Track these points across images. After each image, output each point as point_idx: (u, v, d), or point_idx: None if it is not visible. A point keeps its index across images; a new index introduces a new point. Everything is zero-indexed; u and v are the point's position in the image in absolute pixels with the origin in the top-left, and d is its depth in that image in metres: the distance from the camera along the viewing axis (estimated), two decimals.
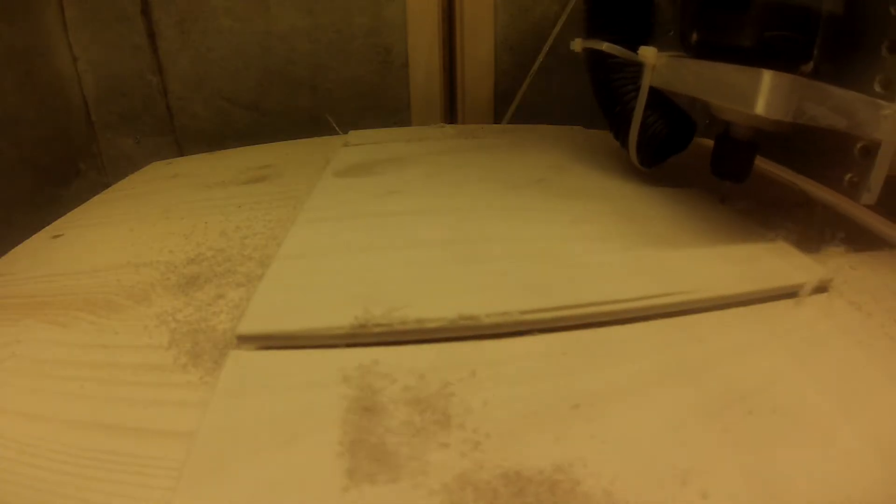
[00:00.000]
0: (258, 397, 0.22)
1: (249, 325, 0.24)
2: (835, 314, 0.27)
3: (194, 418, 0.21)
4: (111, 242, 0.36)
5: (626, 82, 0.39)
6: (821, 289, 0.29)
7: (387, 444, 0.19)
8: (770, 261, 0.30)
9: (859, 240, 0.36)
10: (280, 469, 0.18)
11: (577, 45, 0.41)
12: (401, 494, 0.18)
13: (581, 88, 0.46)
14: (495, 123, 0.68)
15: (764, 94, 0.26)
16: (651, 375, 0.23)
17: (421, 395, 0.21)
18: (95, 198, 0.46)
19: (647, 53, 0.35)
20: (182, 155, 0.64)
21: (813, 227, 0.34)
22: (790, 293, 0.28)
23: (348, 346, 0.24)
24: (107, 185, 0.49)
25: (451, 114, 0.69)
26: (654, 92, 0.37)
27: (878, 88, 0.29)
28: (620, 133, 0.40)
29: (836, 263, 0.32)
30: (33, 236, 0.38)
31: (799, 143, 0.33)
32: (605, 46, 0.38)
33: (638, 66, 0.37)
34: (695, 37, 0.33)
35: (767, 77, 0.26)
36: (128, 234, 0.37)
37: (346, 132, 0.58)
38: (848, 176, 0.30)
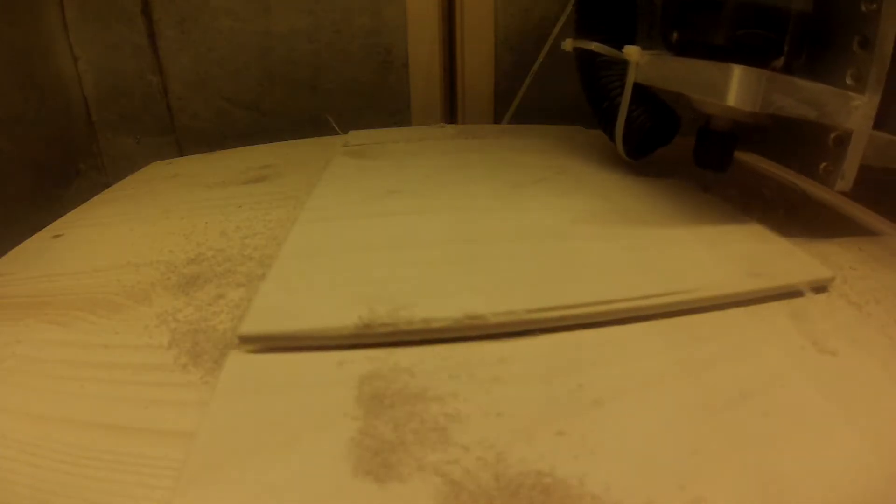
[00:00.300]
0: (258, 397, 0.22)
1: (251, 326, 0.24)
2: (835, 314, 0.27)
3: (194, 418, 0.21)
4: (111, 242, 0.36)
5: (612, 79, 0.41)
6: (821, 288, 0.29)
7: (387, 445, 0.19)
8: (772, 260, 0.30)
9: (859, 240, 0.36)
10: (280, 469, 0.18)
11: (568, 44, 0.44)
12: (401, 495, 0.18)
13: (581, 88, 0.46)
14: (495, 123, 0.68)
15: (734, 87, 0.29)
16: (651, 375, 0.23)
17: (421, 396, 0.21)
18: (95, 198, 0.46)
19: (631, 52, 0.38)
20: (182, 155, 0.64)
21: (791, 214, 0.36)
22: (792, 292, 0.28)
23: (351, 346, 0.24)
24: (107, 185, 0.49)
25: (451, 114, 0.69)
26: (638, 87, 0.39)
27: (849, 81, 0.31)
28: (608, 126, 0.42)
29: (835, 263, 0.32)
30: (33, 236, 0.38)
31: (778, 135, 0.36)
32: (594, 46, 0.40)
33: (623, 64, 0.39)
34: (675, 36, 0.35)
35: (737, 71, 0.29)
36: (128, 234, 0.37)
37: (346, 132, 0.58)
38: (823, 164, 0.32)
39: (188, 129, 0.67)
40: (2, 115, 0.52)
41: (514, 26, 0.65)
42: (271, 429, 0.20)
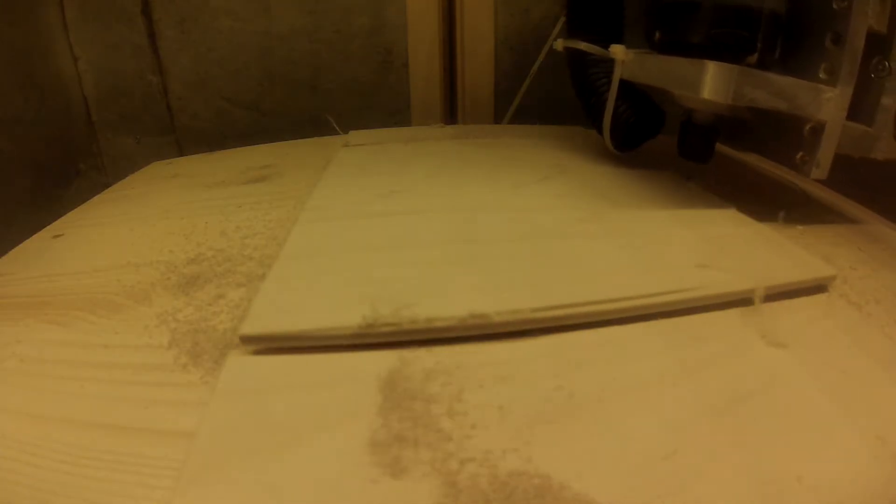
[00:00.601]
0: (258, 397, 0.22)
1: (253, 326, 0.24)
2: (835, 314, 0.27)
3: (194, 418, 0.21)
4: (111, 242, 0.36)
5: (600, 76, 0.43)
6: (821, 288, 0.29)
7: (389, 445, 0.19)
8: (774, 259, 0.30)
9: (859, 240, 0.36)
10: (280, 469, 0.18)
11: (559, 44, 0.47)
12: (402, 494, 0.18)
13: (572, 86, 0.47)
14: (495, 123, 0.68)
15: (708, 82, 0.31)
16: (651, 375, 0.23)
17: (422, 396, 0.21)
18: (95, 198, 0.46)
19: (617, 50, 0.40)
20: (182, 155, 0.64)
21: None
22: (793, 290, 0.28)
23: (352, 346, 0.24)
24: (107, 185, 0.49)
25: (451, 114, 0.69)
26: (624, 84, 0.41)
27: (822, 75, 0.32)
28: (596, 121, 0.44)
29: (835, 263, 0.32)
30: (33, 236, 0.38)
31: (758, 128, 0.37)
32: (583, 46, 0.43)
33: (610, 62, 0.41)
34: (657, 35, 0.38)
35: (711, 67, 0.31)
36: (128, 234, 0.37)
37: (346, 132, 0.58)
38: (800, 154, 0.34)
39: (188, 129, 0.67)
40: (2, 115, 0.52)
41: (514, 26, 0.65)
42: (271, 429, 0.20)
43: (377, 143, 0.53)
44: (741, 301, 0.27)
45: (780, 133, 0.35)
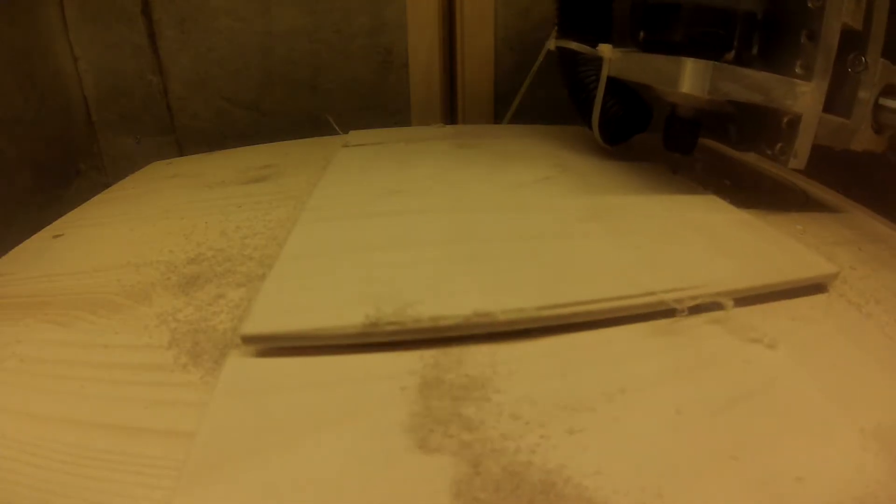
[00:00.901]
0: (258, 397, 0.22)
1: (254, 326, 0.24)
2: (835, 314, 0.27)
3: (194, 418, 0.21)
4: (111, 242, 0.36)
5: (589, 73, 0.45)
6: (821, 288, 0.29)
7: (390, 445, 0.19)
8: (777, 257, 0.30)
9: (859, 239, 0.36)
10: (281, 469, 0.18)
11: (552, 44, 0.49)
12: (403, 493, 0.18)
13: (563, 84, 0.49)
14: (495, 123, 0.68)
15: (686, 77, 0.33)
16: (651, 375, 0.23)
17: (423, 395, 0.21)
18: (95, 198, 0.46)
19: (605, 49, 0.43)
20: (182, 155, 0.64)
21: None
22: (795, 288, 0.28)
23: (353, 346, 0.24)
24: (107, 185, 0.49)
25: (451, 114, 0.69)
26: (613, 81, 0.43)
27: (798, 70, 0.35)
28: (586, 116, 0.47)
29: (836, 264, 0.32)
30: (33, 236, 0.38)
31: (740, 122, 0.40)
32: (574, 45, 0.45)
33: (599, 60, 0.44)
34: (641, 35, 0.40)
35: (688, 63, 0.33)
36: (128, 234, 0.37)
37: (346, 132, 0.58)
38: (778, 145, 0.36)
39: (188, 129, 0.67)
40: (2, 115, 0.52)
41: (514, 26, 0.65)
42: (271, 429, 0.20)
43: (377, 143, 0.53)
44: (742, 300, 0.27)
45: (761, 126, 0.37)
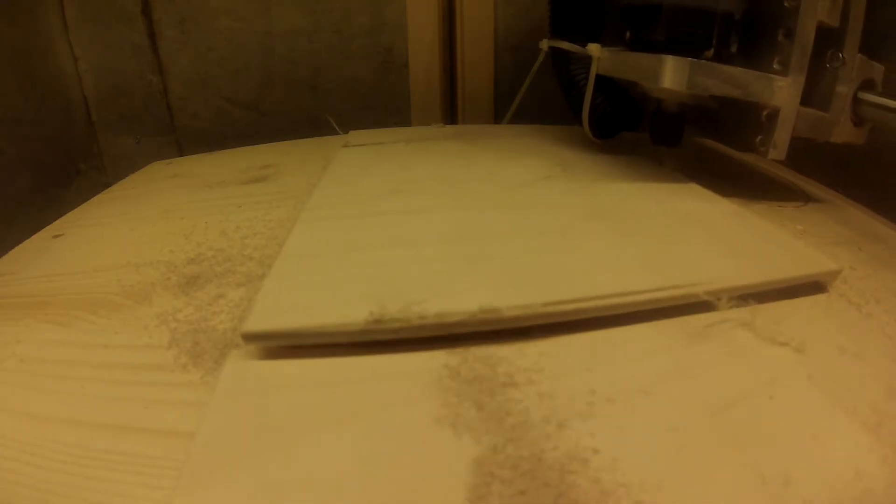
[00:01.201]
0: (258, 397, 0.21)
1: (255, 323, 0.24)
2: (835, 314, 0.27)
3: (194, 418, 0.21)
4: (111, 242, 0.36)
5: (580, 71, 0.48)
6: (821, 288, 0.29)
7: (391, 445, 0.19)
8: (778, 255, 0.30)
9: (859, 239, 0.36)
10: (281, 470, 0.18)
11: (545, 44, 0.51)
12: (404, 494, 0.18)
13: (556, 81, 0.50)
14: (495, 123, 0.68)
15: (667, 73, 0.36)
16: (651, 375, 0.22)
17: (427, 396, 0.21)
18: (95, 198, 0.46)
19: (594, 48, 0.45)
20: (182, 155, 0.64)
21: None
22: (797, 286, 0.28)
23: (356, 345, 0.24)
24: (107, 185, 0.49)
25: (451, 114, 0.69)
26: (602, 79, 0.45)
27: (776, 66, 0.37)
28: (577, 112, 0.48)
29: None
30: (33, 236, 0.38)
31: (723, 116, 0.42)
32: (565, 45, 0.48)
33: (588, 59, 0.46)
34: (628, 35, 0.43)
35: (668, 61, 0.36)
36: (128, 234, 0.37)
37: (346, 132, 0.58)
38: (759, 138, 0.38)
39: (188, 129, 0.67)
40: (2, 115, 0.52)
41: (514, 26, 0.65)
42: (271, 429, 0.20)
43: (377, 143, 0.53)
44: (742, 299, 0.27)
45: (742, 119, 0.39)
